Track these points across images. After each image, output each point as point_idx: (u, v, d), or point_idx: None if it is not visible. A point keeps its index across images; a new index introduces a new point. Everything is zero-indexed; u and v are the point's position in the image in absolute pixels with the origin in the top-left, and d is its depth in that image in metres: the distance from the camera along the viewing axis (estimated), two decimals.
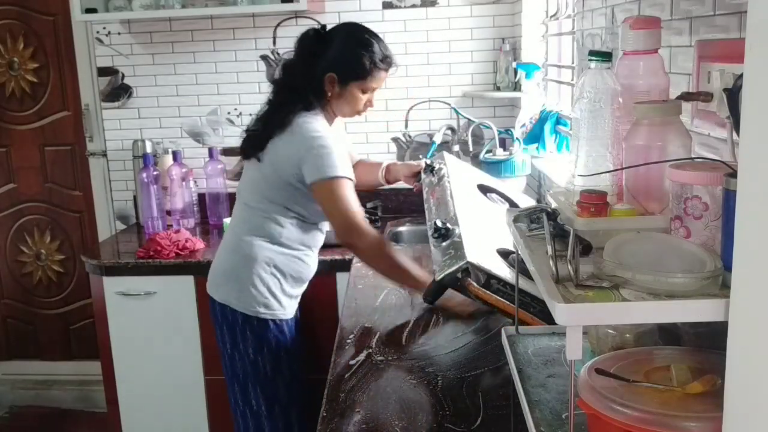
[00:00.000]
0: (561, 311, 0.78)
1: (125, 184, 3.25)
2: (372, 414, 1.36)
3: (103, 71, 3.17)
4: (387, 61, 2.00)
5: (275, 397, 2.05)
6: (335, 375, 1.53)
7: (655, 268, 0.81)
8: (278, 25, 3.03)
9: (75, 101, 3.31)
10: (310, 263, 2.09)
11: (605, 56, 1.07)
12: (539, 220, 1.06)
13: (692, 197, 0.86)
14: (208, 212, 3.07)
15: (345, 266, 2.35)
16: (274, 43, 3.05)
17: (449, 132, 2.90)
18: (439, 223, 1.72)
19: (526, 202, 2.19)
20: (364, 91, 2.00)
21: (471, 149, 2.85)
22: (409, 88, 3.02)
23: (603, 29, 1.77)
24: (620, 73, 1.10)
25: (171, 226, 2.95)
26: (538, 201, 2.57)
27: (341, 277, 2.45)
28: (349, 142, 2.36)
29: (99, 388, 2.98)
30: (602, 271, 0.85)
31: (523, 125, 2.72)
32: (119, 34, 3.11)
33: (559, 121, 2.48)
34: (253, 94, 3.10)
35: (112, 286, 2.62)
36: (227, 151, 3.16)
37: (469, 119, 2.86)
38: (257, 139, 1.99)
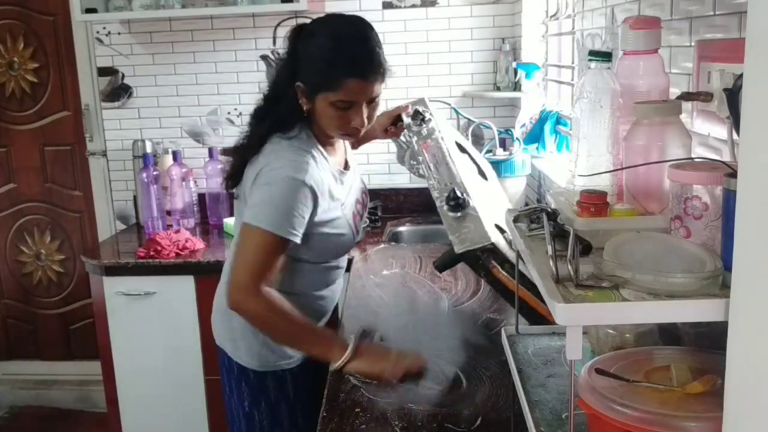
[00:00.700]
0: (561, 311, 0.78)
1: (125, 184, 3.25)
2: (372, 414, 1.36)
3: (103, 71, 3.17)
4: (363, 67, 1.52)
5: None
6: (335, 375, 1.53)
7: (655, 268, 0.81)
8: (278, 25, 3.03)
9: (75, 101, 3.31)
10: (332, 297, 1.80)
11: (605, 56, 1.07)
12: (539, 220, 1.06)
13: (692, 197, 0.86)
14: (208, 212, 3.07)
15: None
16: (274, 43, 3.05)
17: None
18: (458, 193, 1.52)
19: (488, 168, 2.07)
20: (336, 106, 1.54)
21: None
22: (409, 88, 3.02)
23: (603, 29, 1.77)
24: (620, 73, 1.10)
25: (171, 226, 2.95)
26: (538, 201, 2.57)
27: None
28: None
29: (99, 388, 2.98)
30: (602, 271, 0.85)
31: (523, 125, 2.72)
32: (119, 34, 3.11)
33: (559, 121, 2.48)
34: (253, 94, 3.09)
35: (112, 286, 2.62)
36: (227, 151, 3.15)
37: (469, 119, 2.86)
38: (234, 167, 1.65)
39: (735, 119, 0.98)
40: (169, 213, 3.00)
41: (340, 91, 1.52)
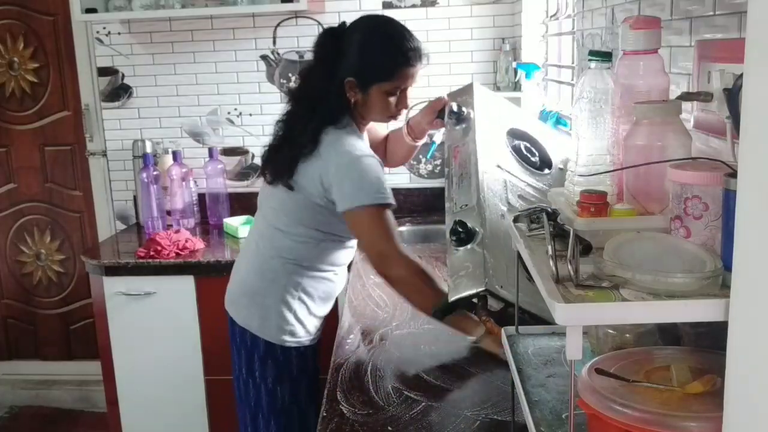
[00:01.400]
0: (561, 311, 0.78)
1: (125, 184, 3.25)
2: (372, 413, 1.36)
3: (103, 71, 3.17)
4: (412, 55, 1.76)
5: (289, 428, 1.91)
6: (335, 375, 1.53)
7: (655, 268, 0.81)
8: (278, 25, 3.03)
9: (75, 101, 3.31)
10: (338, 281, 1.94)
11: (605, 56, 1.07)
12: (539, 220, 1.06)
13: (692, 197, 0.86)
14: (208, 212, 3.07)
15: None
16: (274, 43, 3.05)
17: None
18: (468, 224, 1.48)
19: (557, 153, 1.88)
20: (390, 93, 1.76)
21: None
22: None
23: (603, 29, 1.77)
24: (620, 73, 1.10)
25: (171, 226, 2.95)
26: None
27: None
28: (384, 126, 2.09)
29: (99, 388, 2.98)
30: (602, 271, 0.85)
31: None
32: (119, 34, 3.11)
33: (559, 121, 2.48)
34: (253, 94, 3.10)
35: (112, 286, 2.62)
36: (227, 151, 3.16)
37: None
38: (284, 163, 1.78)
39: (735, 119, 0.98)
40: (169, 213, 3.01)
41: (395, 79, 1.75)
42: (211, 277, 2.54)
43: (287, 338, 1.85)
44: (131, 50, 3.12)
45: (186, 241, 2.67)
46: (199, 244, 2.71)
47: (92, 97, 3.24)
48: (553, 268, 0.86)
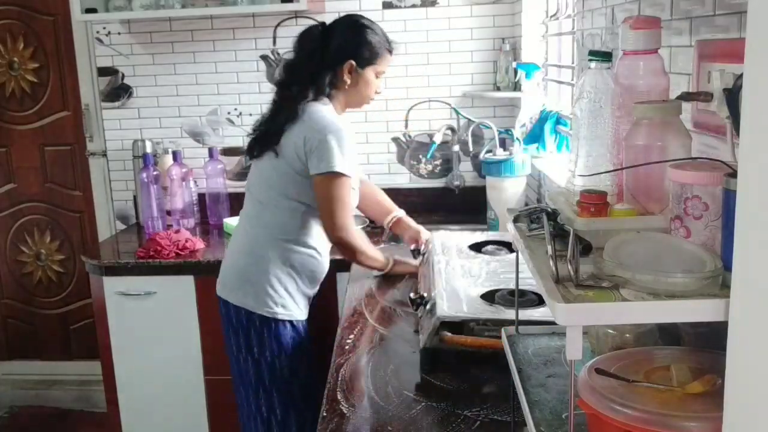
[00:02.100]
0: (561, 311, 0.78)
1: (125, 184, 3.25)
2: (372, 413, 1.36)
3: (103, 71, 3.17)
4: (391, 43, 2.10)
5: (291, 402, 2.03)
6: (335, 375, 1.53)
7: (655, 268, 0.81)
8: (278, 25, 3.03)
9: (75, 101, 3.31)
10: (323, 261, 2.10)
11: (605, 56, 1.07)
12: (539, 220, 1.06)
13: (692, 197, 0.86)
14: (208, 212, 3.07)
15: (345, 266, 2.35)
16: (274, 43, 3.05)
17: (449, 132, 2.90)
18: (412, 295, 1.73)
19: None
20: (377, 75, 2.07)
21: (471, 149, 2.85)
22: (409, 88, 3.02)
23: (603, 29, 1.77)
24: (620, 73, 1.10)
25: (171, 226, 2.95)
26: (538, 201, 2.57)
27: (341, 277, 2.45)
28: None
29: (99, 388, 2.98)
30: (602, 271, 0.85)
31: (523, 125, 2.72)
32: (119, 34, 3.11)
33: (559, 121, 2.48)
34: (253, 94, 3.10)
35: (112, 286, 2.62)
36: (227, 151, 3.16)
37: (469, 119, 2.86)
38: (269, 134, 2.01)
39: (735, 119, 0.98)
40: (169, 213, 3.00)
41: (383, 63, 2.07)
42: (211, 277, 2.52)
43: (280, 311, 2.00)
44: (131, 50, 3.12)
45: (186, 241, 2.66)
46: (199, 244, 2.71)
47: (92, 97, 3.24)
48: (553, 268, 0.86)
